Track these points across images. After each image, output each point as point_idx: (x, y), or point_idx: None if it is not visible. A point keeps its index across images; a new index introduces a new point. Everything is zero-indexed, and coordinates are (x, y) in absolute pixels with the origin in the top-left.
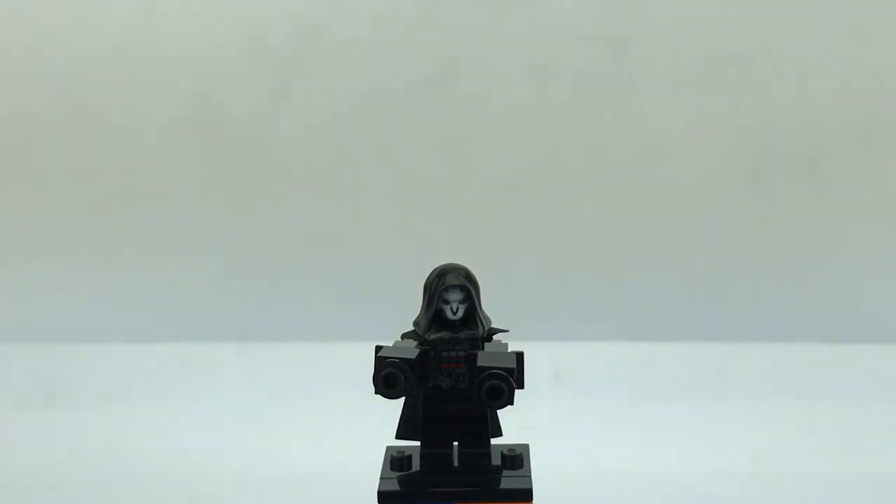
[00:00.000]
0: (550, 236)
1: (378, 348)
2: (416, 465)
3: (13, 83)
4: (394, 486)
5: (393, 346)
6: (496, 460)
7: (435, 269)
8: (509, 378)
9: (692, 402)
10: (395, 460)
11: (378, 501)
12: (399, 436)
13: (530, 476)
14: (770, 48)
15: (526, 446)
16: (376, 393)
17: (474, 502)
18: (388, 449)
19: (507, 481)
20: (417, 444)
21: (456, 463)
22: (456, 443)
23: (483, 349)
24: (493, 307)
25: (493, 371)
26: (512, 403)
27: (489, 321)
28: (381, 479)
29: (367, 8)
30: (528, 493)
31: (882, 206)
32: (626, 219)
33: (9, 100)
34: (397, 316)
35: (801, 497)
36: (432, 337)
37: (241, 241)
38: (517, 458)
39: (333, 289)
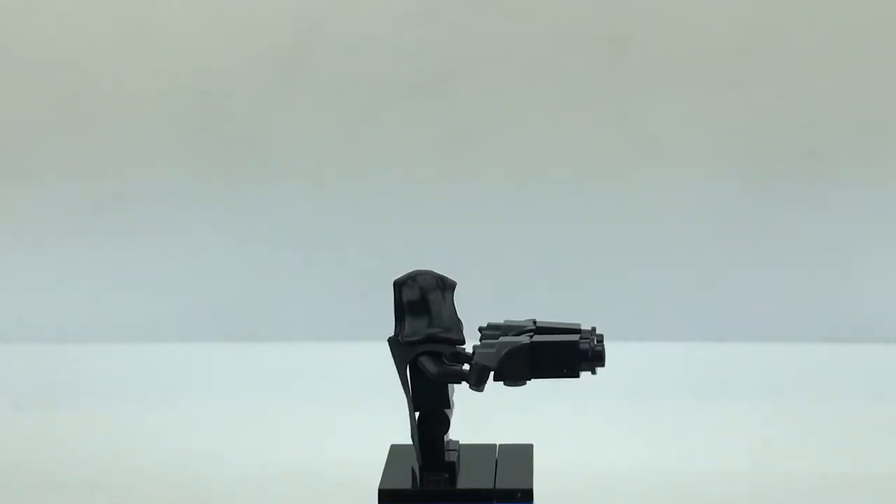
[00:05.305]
0: (550, 236)
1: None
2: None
3: (12, 82)
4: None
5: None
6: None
7: (409, 276)
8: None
9: (692, 402)
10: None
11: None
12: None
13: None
14: (770, 48)
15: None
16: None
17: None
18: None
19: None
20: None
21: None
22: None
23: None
24: (492, 307)
25: (586, 339)
26: None
27: None
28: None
29: (367, 7)
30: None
31: (882, 206)
32: (625, 218)
33: (7, 99)
34: None
35: (801, 497)
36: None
37: (241, 241)
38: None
39: (333, 289)
